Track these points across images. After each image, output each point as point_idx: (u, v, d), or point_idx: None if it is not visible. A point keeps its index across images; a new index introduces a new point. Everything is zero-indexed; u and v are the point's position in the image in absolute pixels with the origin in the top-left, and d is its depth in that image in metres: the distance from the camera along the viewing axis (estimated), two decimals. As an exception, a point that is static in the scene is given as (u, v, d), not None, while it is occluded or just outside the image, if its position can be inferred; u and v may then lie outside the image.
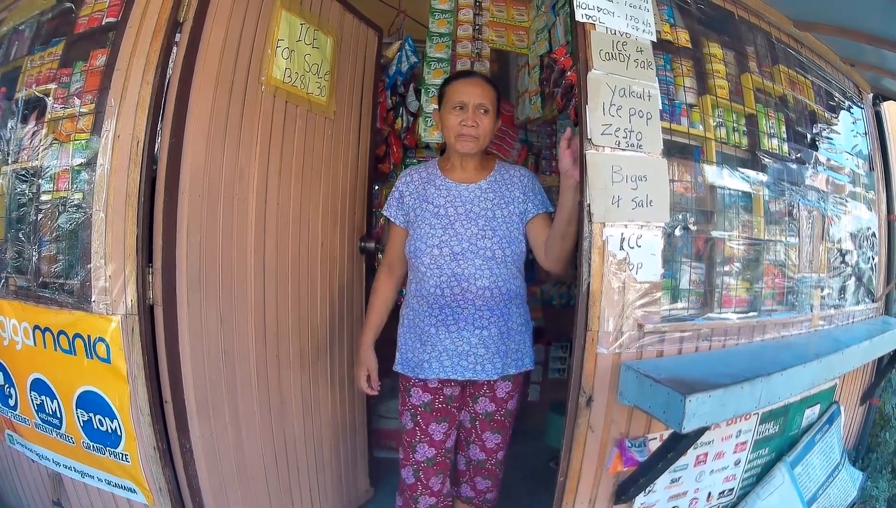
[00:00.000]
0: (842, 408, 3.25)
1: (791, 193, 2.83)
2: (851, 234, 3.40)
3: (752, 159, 2.67)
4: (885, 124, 3.87)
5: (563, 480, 2.23)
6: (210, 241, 2.26)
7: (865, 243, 3.54)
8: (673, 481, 2.44)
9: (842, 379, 3.24)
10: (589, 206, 2.08)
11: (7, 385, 2.36)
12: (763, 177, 2.71)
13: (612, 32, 2.24)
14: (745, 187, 2.64)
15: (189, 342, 2.18)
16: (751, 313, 2.59)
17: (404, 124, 3.56)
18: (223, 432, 2.34)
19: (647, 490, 2.34)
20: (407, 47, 3.47)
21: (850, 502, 3.24)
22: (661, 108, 2.28)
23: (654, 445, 2.27)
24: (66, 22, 2.41)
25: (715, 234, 2.49)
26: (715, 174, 2.52)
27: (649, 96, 2.24)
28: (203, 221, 2.23)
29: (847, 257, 3.33)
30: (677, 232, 2.32)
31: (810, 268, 2.93)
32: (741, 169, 2.62)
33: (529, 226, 2.37)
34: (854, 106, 3.59)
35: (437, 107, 2.50)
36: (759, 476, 2.85)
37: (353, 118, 3.12)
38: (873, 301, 3.57)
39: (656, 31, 2.34)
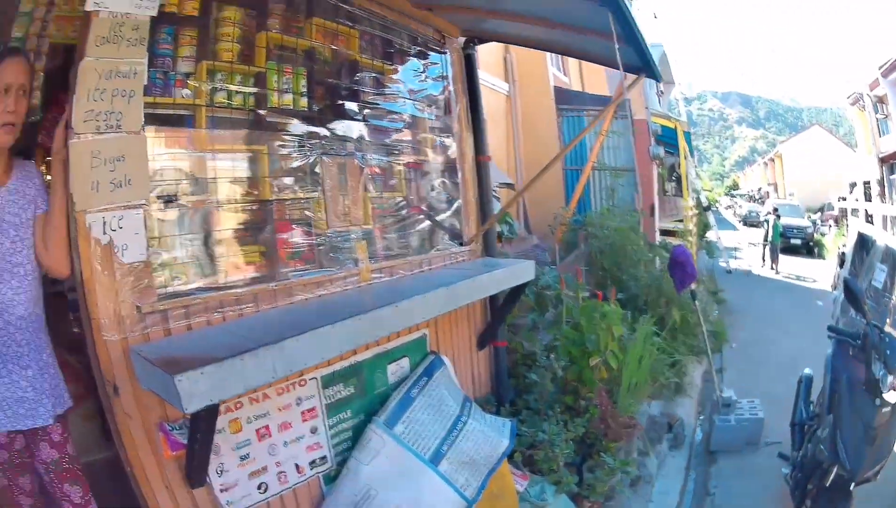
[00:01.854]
0: (445, 359, 3.78)
1: (311, 147, 3.26)
2: (413, 179, 3.93)
3: (255, 120, 3.07)
4: (474, 66, 4.52)
5: (130, 470, 2.52)
6: None
7: (440, 186, 4.13)
8: (243, 458, 2.82)
9: (434, 328, 3.76)
10: (72, 195, 2.36)
11: None
12: (270, 135, 3.11)
13: (114, 15, 2.45)
14: (247, 149, 3.04)
15: None
16: (268, 279, 2.98)
17: None
18: None
19: (219, 472, 2.68)
20: None
21: (504, 451, 3.66)
22: (147, 83, 2.60)
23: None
24: None
25: (212, 202, 2.86)
26: (207, 141, 2.88)
27: (135, 74, 2.52)
28: None
29: (412, 204, 3.84)
30: (163, 206, 2.68)
31: (346, 221, 3.37)
32: (242, 132, 3.02)
33: (34, 223, 2.41)
34: (430, 51, 4.18)
35: None
36: (354, 439, 3.28)
37: None
38: (461, 245, 4.20)
39: (161, 4, 2.61)
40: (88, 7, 2.38)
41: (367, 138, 3.63)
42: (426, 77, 4.18)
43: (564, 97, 12.19)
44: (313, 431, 3.16)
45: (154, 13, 2.58)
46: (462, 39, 4.50)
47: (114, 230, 2.47)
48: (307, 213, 3.23)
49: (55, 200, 2.42)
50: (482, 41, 4.68)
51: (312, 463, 3.16)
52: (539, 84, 11.35)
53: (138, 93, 2.55)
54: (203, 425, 2.42)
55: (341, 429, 3.30)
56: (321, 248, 3.25)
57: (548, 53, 10.79)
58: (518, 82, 10.87)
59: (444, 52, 4.29)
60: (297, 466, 3.08)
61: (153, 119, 2.67)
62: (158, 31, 2.73)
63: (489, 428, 3.75)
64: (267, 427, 2.96)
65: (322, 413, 3.18)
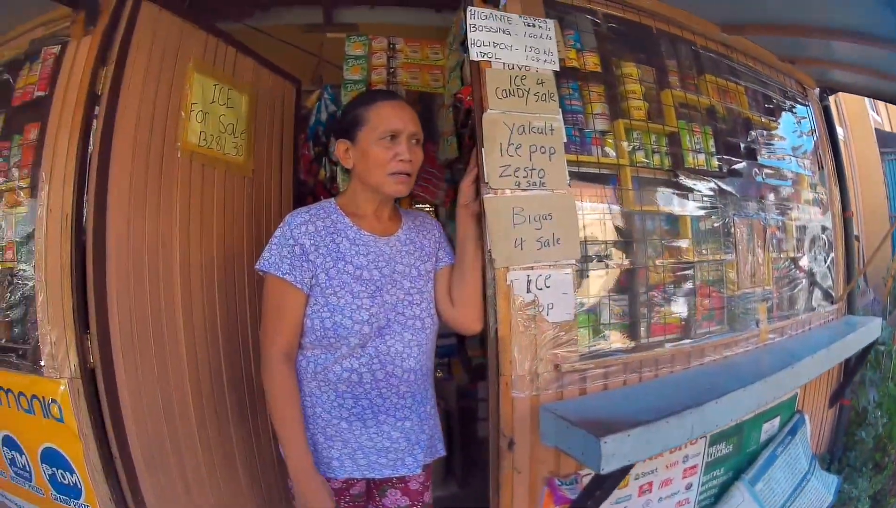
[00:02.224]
0: (806, 416, 3.08)
1: (724, 208, 2.67)
2: (801, 238, 3.23)
3: (674, 180, 2.51)
4: (833, 118, 3.67)
5: None
6: (140, 307, 2.22)
7: (818, 244, 3.37)
8: None
9: (803, 387, 3.06)
10: (490, 251, 1.95)
11: None
12: (689, 197, 2.56)
13: (510, 67, 2.10)
14: (669, 210, 2.49)
15: (130, 401, 2.14)
16: (685, 340, 2.43)
17: (328, 174, 3.37)
18: (173, 486, 2.30)
19: (587, 526, 2.21)
20: (326, 96, 3.33)
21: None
22: (566, 140, 2.14)
23: (587, 480, 2.11)
24: (5, 94, 2.42)
25: (637, 262, 2.34)
26: (633, 201, 2.36)
27: (552, 130, 2.10)
28: (131, 288, 2.18)
29: (799, 263, 3.16)
30: (592, 267, 2.19)
31: (752, 283, 2.76)
32: (663, 191, 2.47)
33: (436, 277, 1.98)
34: (798, 105, 3.41)
35: (343, 139, 1.88)
36: (718, 495, 2.69)
37: (274, 173, 3.05)
38: (832, 303, 3.39)
39: (560, 59, 2.20)
40: (474, 57, 2.06)
41: (766, 198, 2.95)
42: (800, 132, 3.37)
43: (884, 140, 9.79)
44: (688, 488, 2.54)
45: (556, 68, 2.19)
46: (817, 91, 3.65)
47: (539, 289, 2.00)
48: (721, 274, 2.65)
49: (467, 255, 1.97)
50: (831, 92, 3.75)
51: (676, 518, 2.57)
52: (862, 127, 9.32)
53: (559, 150, 2.11)
54: (608, 483, 1.94)
55: (710, 486, 2.66)
56: (731, 309, 2.65)
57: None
58: (849, 126, 8.99)
59: (807, 105, 3.48)
60: (661, 520, 2.50)
61: (575, 176, 2.16)
62: (561, 85, 2.22)
63: (821, 485, 3.08)
64: (650, 484, 2.38)
65: (700, 471, 2.57)
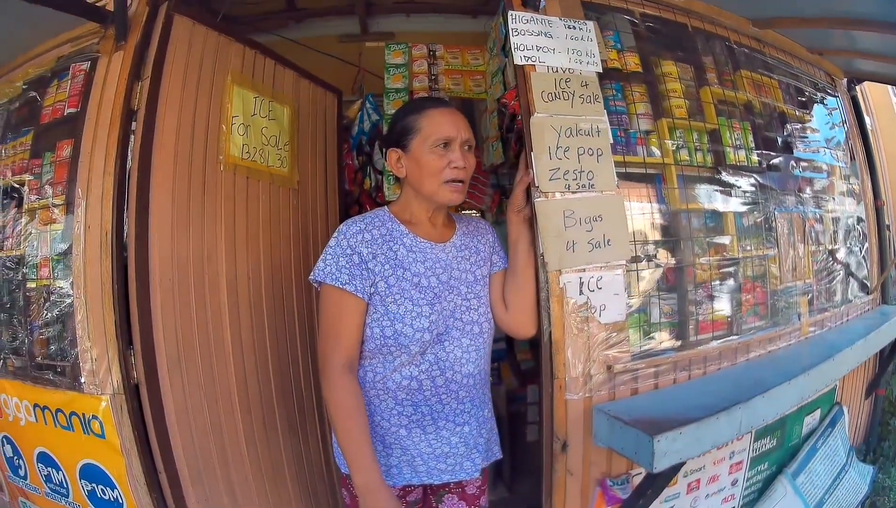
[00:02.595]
0: (845, 408, 3.09)
1: (765, 203, 2.66)
2: (837, 230, 3.22)
3: (717, 177, 2.51)
4: (861, 108, 3.66)
5: None
6: (185, 322, 2.23)
7: (853, 235, 3.36)
8: None
9: (842, 379, 3.04)
10: (542, 255, 1.96)
11: (16, 457, 2.41)
12: (732, 193, 2.55)
13: (554, 71, 2.11)
14: (713, 207, 2.49)
15: (175, 416, 2.16)
16: (731, 336, 2.42)
17: (373, 183, 3.39)
18: (219, 498, 2.31)
19: (636, 524, 2.23)
20: (368, 105, 3.34)
21: (862, 498, 3.07)
22: (612, 141, 2.14)
23: (638, 480, 2.15)
24: (33, 112, 2.42)
25: (684, 261, 2.34)
26: (678, 199, 2.36)
27: (598, 132, 2.11)
28: (176, 303, 2.20)
29: (836, 255, 3.15)
30: (641, 266, 2.19)
31: (794, 276, 2.75)
32: (707, 189, 2.47)
33: (490, 281, 1.96)
34: (828, 96, 3.39)
35: (394, 148, 1.85)
36: (761, 490, 2.70)
37: (319, 184, 3.05)
38: (867, 294, 3.39)
39: (602, 60, 2.21)
40: (518, 61, 2.08)
41: (804, 191, 2.95)
42: (832, 123, 3.36)
43: None
44: (734, 483, 2.55)
45: (599, 69, 2.20)
46: (845, 81, 3.62)
47: (591, 291, 2.01)
48: (765, 269, 2.63)
49: (519, 259, 1.96)
50: (858, 81, 3.71)
51: (721, 514, 2.58)
52: (887, 116, 9.16)
53: (606, 151, 2.11)
54: (660, 482, 1.95)
55: (755, 481, 2.66)
56: (774, 304, 2.64)
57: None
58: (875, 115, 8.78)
59: (837, 96, 3.46)
60: (708, 517, 2.51)
61: (622, 177, 2.16)
62: (605, 86, 2.22)
63: (857, 475, 3.09)
64: (698, 481, 2.39)
65: (746, 466, 2.58)
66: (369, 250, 1.74)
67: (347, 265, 1.72)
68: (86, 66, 2.28)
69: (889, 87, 8.30)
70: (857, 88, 3.66)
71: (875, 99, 8.48)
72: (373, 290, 1.73)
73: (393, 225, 1.83)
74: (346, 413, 1.68)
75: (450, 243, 1.88)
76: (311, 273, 1.77)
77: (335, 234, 1.79)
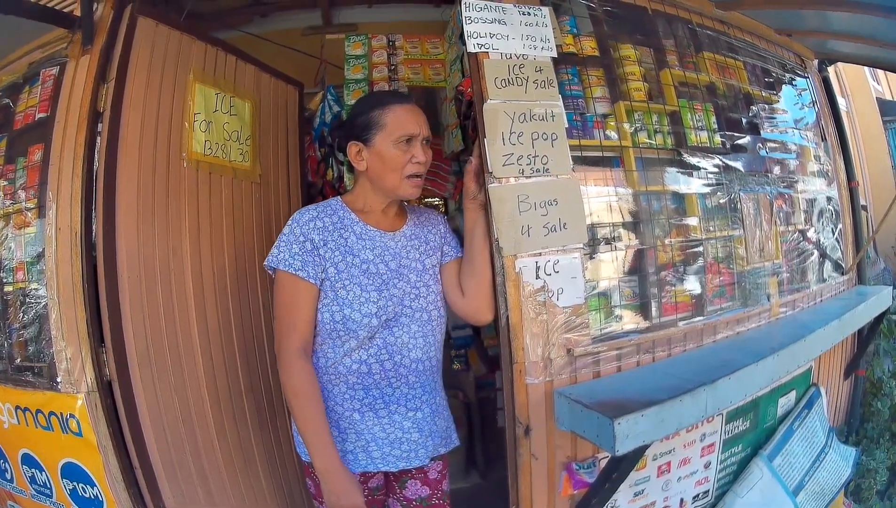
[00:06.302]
0: (822, 389, 3.08)
1: (730, 184, 2.66)
2: (808, 211, 3.22)
3: (678, 159, 2.51)
4: (833, 89, 3.65)
5: (515, 506, 2.11)
6: (153, 317, 2.26)
7: (826, 215, 3.35)
8: (637, 494, 2.33)
9: (817, 360, 3.06)
10: (497, 239, 1.96)
11: (2, 461, 2.43)
12: (694, 175, 2.55)
13: (508, 57, 2.11)
14: (675, 189, 2.49)
15: (148, 411, 2.19)
16: (697, 317, 2.42)
17: (335, 174, 3.39)
18: (193, 491, 2.34)
19: (607, 507, 2.23)
20: (329, 97, 3.33)
21: (845, 481, 3.05)
22: (567, 125, 2.14)
23: (605, 464, 2.14)
24: (7, 118, 2.45)
25: (645, 243, 2.34)
26: (637, 182, 2.36)
27: (553, 116, 2.11)
28: (144, 300, 2.22)
29: (807, 236, 3.15)
30: (601, 249, 2.19)
31: (761, 257, 2.75)
32: (668, 171, 2.47)
33: (443, 270, 1.99)
34: (797, 77, 3.39)
35: (355, 141, 1.88)
36: (737, 473, 2.70)
37: (282, 177, 3.06)
38: (842, 274, 3.38)
39: (557, 45, 2.21)
40: (472, 49, 2.07)
41: (771, 172, 2.95)
42: (802, 104, 3.34)
43: (886, 108, 9.57)
44: (706, 466, 2.55)
45: (553, 54, 2.19)
46: (816, 62, 3.63)
47: (548, 275, 2.00)
48: (731, 250, 2.64)
49: (475, 245, 1.98)
50: (830, 62, 3.73)
51: (696, 498, 2.58)
52: (863, 96, 9.13)
53: (561, 135, 2.11)
54: (625, 465, 1.95)
55: (729, 463, 2.67)
56: (742, 285, 2.64)
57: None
58: (851, 97, 8.61)
59: (807, 77, 3.46)
60: (681, 501, 2.52)
61: (578, 161, 2.16)
62: (560, 71, 2.23)
63: (839, 457, 3.08)
64: (668, 464, 2.39)
65: (718, 448, 2.58)
66: (321, 236, 1.80)
67: (300, 252, 1.78)
68: (55, 71, 2.30)
69: (865, 68, 8.31)
70: (830, 68, 3.66)
71: (851, 81, 8.46)
72: (324, 276, 1.79)
73: (345, 213, 1.89)
74: (303, 398, 1.74)
75: (400, 232, 1.94)
76: (266, 260, 1.82)
77: (289, 222, 1.85)
